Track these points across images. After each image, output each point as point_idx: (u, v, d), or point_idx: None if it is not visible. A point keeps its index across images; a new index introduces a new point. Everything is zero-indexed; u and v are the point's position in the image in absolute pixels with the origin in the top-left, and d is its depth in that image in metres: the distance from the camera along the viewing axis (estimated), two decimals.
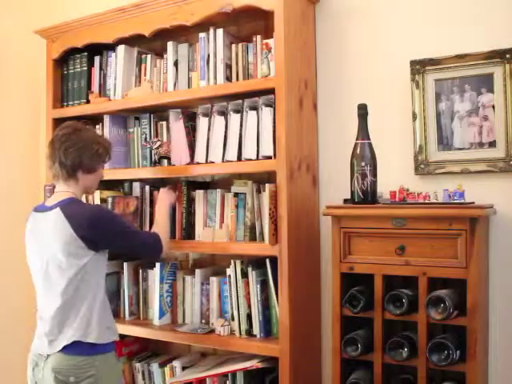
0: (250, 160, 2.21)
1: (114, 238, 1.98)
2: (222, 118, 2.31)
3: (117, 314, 2.57)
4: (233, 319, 2.29)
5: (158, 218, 2.24)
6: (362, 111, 2.00)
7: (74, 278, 1.89)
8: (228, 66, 2.33)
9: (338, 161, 2.29)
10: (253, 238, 2.25)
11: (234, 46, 2.34)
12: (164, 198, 2.34)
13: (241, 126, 2.25)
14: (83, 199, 2.19)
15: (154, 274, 2.50)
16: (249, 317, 2.25)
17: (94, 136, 2.09)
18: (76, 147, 1.99)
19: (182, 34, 2.54)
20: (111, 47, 2.64)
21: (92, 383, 1.86)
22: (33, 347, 1.99)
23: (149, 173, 2.52)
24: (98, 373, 1.87)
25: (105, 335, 1.94)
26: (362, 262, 1.93)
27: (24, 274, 3.13)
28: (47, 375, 1.87)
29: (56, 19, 2.82)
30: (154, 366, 2.56)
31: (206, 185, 2.56)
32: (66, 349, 1.87)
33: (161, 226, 2.18)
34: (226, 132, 2.29)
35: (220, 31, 2.32)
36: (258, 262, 2.26)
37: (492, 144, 2.02)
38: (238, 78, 2.32)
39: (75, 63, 2.77)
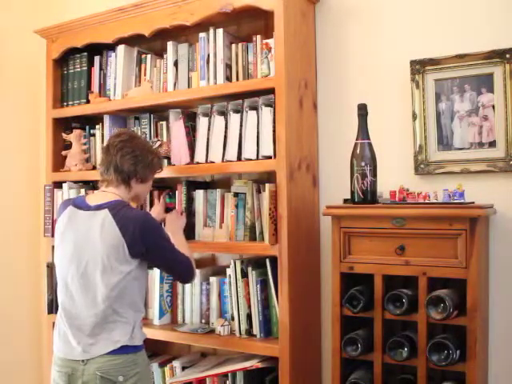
0: (250, 160, 2.21)
1: (159, 250, 1.94)
2: (222, 117, 2.31)
3: None
4: (233, 319, 2.29)
5: (178, 244, 2.08)
6: (362, 111, 2.00)
7: (117, 284, 1.86)
8: (228, 66, 2.33)
9: (338, 161, 2.29)
10: (253, 238, 2.25)
11: (233, 45, 2.34)
12: (174, 222, 2.29)
13: (241, 125, 2.25)
14: None
15: (154, 274, 2.50)
16: (249, 317, 2.25)
17: (148, 145, 2.10)
18: (133, 155, 1.98)
19: (182, 33, 2.54)
20: (111, 47, 2.65)
21: (138, 380, 1.88)
22: (60, 353, 1.93)
23: None
24: (141, 369, 1.90)
25: (142, 335, 1.97)
26: (362, 261, 1.93)
27: (25, 273, 3.15)
28: (91, 378, 1.84)
29: (56, 19, 2.83)
30: (154, 366, 2.55)
31: (206, 185, 2.56)
32: (110, 351, 1.86)
33: (187, 252, 2.07)
34: (225, 132, 2.29)
35: (220, 31, 2.32)
36: (257, 262, 2.27)
37: (492, 144, 2.02)
38: (237, 78, 2.32)
39: (75, 63, 2.77)
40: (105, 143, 2.07)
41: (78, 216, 1.94)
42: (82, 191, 2.67)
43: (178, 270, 2.03)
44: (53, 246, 2.23)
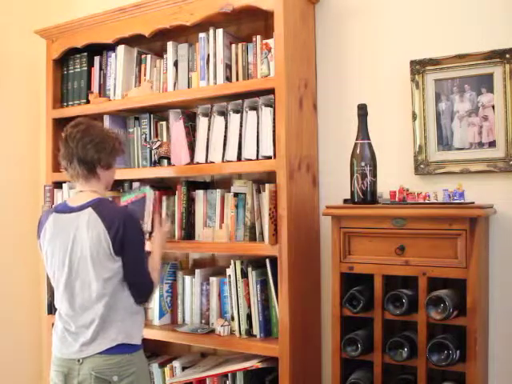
0: (250, 160, 2.21)
1: (131, 252, 1.88)
2: (222, 118, 2.31)
3: None
4: (233, 319, 2.29)
5: (152, 263, 2.02)
6: (362, 111, 2.00)
7: (109, 281, 1.86)
8: (228, 66, 2.33)
9: (338, 161, 2.29)
10: (253, 238, 2.25)
11: (233, 46, 2.34)
12: (159, 239, 2.17)
13: (241, 126, 2.25)
14: None
15: None
16: (249, 317, 2.25)
17: (106, 131, 2.05)
18: (93, 143, 1.94)
19: (182, 34, 2.54)
20: (111, 47, 2.64)
21: (134, 380, 1.87)
22: (58, 353, 1.93)
23: (149, 173, 2.52)
24: (137, 369, 1.90)
25: (140, 335, 1.97)
26: (362, 261, 1.93)
27: (25, 274, 3.15)
28: (86, 377, 1.84)
29: (56, 19, 2.83)
30: (154, 366, 2.55)
31: (206, 185, 2.56)
32: (106, 350, 1.86)
33: (156, 275, 2.02)
34: (225, 132, 2.29)
35: (220, 31, 2.32)
36: (257, 262, 2.27)
37: (492, 144, 2.02)
38: (237, 78, 2.32)
39: (75, 63, 2.77)
40: (62, 134, 2.00)
41: (63, 220, 1.93)
42: None
43: (138, 283, 1.93)
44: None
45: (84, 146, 1.93)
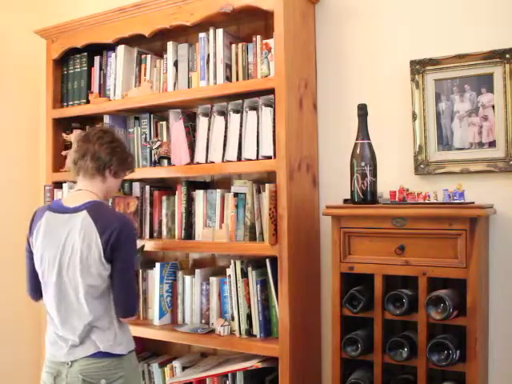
0: (250, 160, 2.21)
1: (124, 256, 1.85)
2: (222, 118, 2.31)
3: None
4: (233, 319, 2.29)
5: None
6: (362, 111, 2.00)
7: (96, 288, 1.83)
8: (228, 66, 2.33)
9: (338, 161, 2.29)
10: (253, 238, 2.25)
11: (233, 46, 2.34)
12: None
13: (241, 126, 2.25)
14: None
15: (154, 274, 2.50)
16: (249, 317, 2.25)
17: (125, 143, 2.09)
18: (111, 145, 1.96)
19: (182, 34, 2.54)
20: (111, 47, 2.65)
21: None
22: (49, 355, 1.92)
23: (149, 173, 2.52)
24: (126, 373, 1.87)
25: (129, 342, 1.94)
26: (362, 261, 1.93)
27: (25, 274, 3.15)
28: (74, 380, 1.82)
29: (56, 19, 2.83)
30: (154, 366, 2.56)
31: (206, 185, 2.56)
32: (94, 354, 1.84)
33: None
34: (225, 132, 2.29)
35: (220, 31, 2.32)
36: (257, 262, 2.27)
37: (492, 144, 2.02)
38: (237, 78, 2.32)
39: (75, 63, 2.78)
40: (82, 133, 2.03)
41: (56, 220, 1.89)
42: None
43: (124, 293, 1.88)
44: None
45: (102, 144, 1.95)
